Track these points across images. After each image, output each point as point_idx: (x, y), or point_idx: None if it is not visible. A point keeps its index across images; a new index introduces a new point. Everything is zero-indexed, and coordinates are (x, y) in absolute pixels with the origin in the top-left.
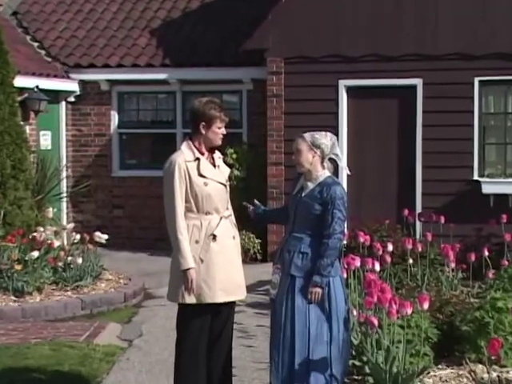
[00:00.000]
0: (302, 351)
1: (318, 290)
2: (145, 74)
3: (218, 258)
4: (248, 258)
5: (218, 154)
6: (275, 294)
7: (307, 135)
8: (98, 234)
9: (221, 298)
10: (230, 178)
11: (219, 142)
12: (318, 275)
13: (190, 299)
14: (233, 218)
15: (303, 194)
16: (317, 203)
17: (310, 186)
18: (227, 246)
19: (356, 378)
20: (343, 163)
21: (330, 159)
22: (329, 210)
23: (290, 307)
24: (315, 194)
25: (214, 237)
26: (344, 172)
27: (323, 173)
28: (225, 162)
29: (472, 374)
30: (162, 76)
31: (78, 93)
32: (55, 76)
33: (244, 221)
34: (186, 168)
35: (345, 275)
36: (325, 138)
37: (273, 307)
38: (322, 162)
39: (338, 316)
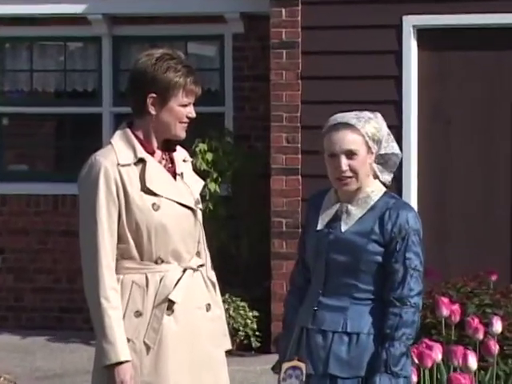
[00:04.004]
0: None
1: None
2: (43, 4)
3: (176, 345)
4: (235, 345)
5: (181, 154)
6: None
7: (353, 118)
8: None
9: None
10: (202, 198)
11: (182, 133)
12: (386, 374)
13: None
14: (208, 271)
15: (343, 229)
16: (373, 242)
17: (356, 211)
18: (194, 322)
19: None
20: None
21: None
22: (397, 253)
23: None
24: (369, 227)
25: (171, 305)
26: (412, 185)
27: (377, 187)
28: (196, 170)
29: None
30: (75, 8)
31: None
32: None
33: (228, 276)
34: (118, 177)
35: (414, 377)
36: (381, 123)
37: None
38: (371, 165)
39: None
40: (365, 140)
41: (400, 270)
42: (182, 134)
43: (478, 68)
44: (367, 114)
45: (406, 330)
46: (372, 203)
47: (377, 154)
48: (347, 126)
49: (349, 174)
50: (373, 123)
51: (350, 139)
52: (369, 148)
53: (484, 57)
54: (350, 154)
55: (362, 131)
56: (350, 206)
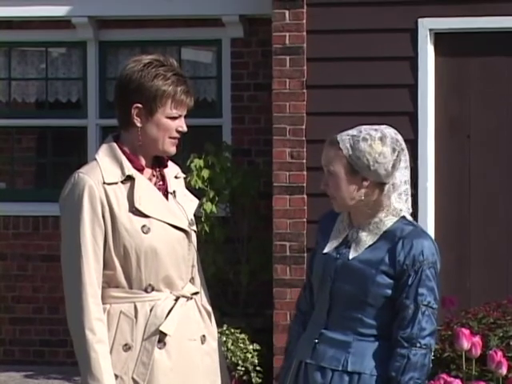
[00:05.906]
0: None
1: None
2: (22, 5)
3: (168, 381)
4: (234, 381)
5: (173, 170)
6: None
7: (343, 135)
8: None
9: None
10: (197, 219)
11: (172, 149)
12: None
13: None
14: (203, 299)
15: (351, 256)
16: (383, 274)
17: (367, 238)
18: (188, 356)
19: None
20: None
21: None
22: (409, 288)
23: None
24: (379, 256)
25: (162, 337)
26: (429, 205)
27: (391, 211)
28: (190, 189)
29: None
30: (58, 11)
31: None
32: None
33: (226, 306)
34: (104, 197)
35: None
36: (383, 146)
37: None
38: (383, 190)
39: None
40: (345, 161)
41: (411, 306)
42: (172, 150)
43: (501, 76)
44: (371, 132)
45: (414, 374)
46: (384, 229)
47: (378, 180)
48: (332, 141)
49: (328, 192)
50: (366, 143)
51: (328, 155)
52: (353, 171)
53: (508, 63)
54: (328, 172)
55: (344, 151)
56: (360, 232)
